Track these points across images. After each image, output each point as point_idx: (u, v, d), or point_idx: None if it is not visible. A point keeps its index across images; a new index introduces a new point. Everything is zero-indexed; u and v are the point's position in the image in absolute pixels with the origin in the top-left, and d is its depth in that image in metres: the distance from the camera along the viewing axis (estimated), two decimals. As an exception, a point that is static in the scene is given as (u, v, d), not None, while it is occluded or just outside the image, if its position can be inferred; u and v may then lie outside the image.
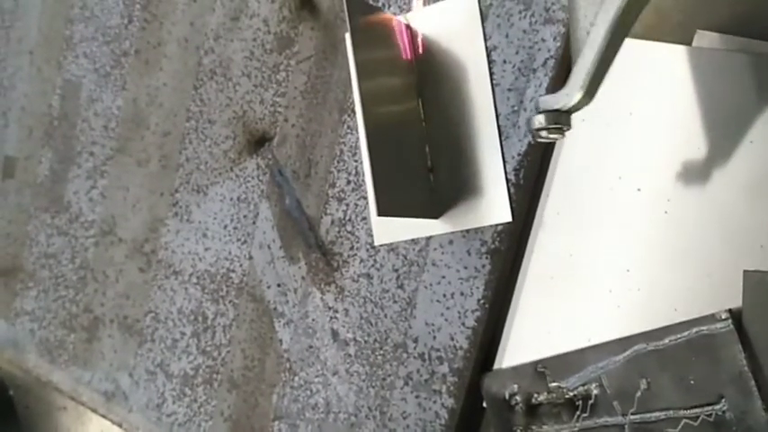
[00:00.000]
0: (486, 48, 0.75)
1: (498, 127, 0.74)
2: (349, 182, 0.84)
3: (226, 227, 0.94)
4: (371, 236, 0.82)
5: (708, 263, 0.63)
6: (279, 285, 0.89)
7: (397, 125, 0.76)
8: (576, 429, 0.70)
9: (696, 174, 0.64)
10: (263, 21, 0.91)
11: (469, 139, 0.76)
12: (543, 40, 0.72)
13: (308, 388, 0.87)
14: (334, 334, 0.85)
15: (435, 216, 0.77)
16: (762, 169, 0.61)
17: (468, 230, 0.76)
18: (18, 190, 1.16)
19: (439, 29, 0.78)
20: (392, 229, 0.80)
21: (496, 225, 0.74)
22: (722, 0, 0.65)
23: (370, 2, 0.81)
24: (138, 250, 1.02)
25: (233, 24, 0.94)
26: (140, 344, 1.02)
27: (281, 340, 0.89)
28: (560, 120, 0.56)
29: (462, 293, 0.76)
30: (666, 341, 0.64)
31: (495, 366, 0.76)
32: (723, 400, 0.61)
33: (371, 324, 0.82)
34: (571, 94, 0.55)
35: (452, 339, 0.77)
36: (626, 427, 0.67)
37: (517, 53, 0.73)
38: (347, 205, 0.84)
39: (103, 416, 1.06)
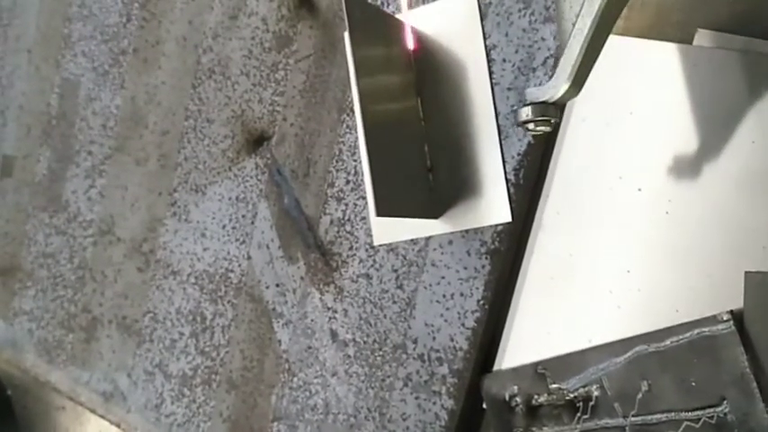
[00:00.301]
0: (486, 46, 0.75)
1: (498, 126, 0.74)
2: (348, 181, 0.83)
3: (224, 226, 0.94)
4: (371, 236, 0.81)
5: (709, 263, 0.63)
6: (278, 285, 0.89)
7: (397, 124, 0.75)
8: (576, 431, 0.69)
9: (697, 174, 0.64)
10: (262, 19, 0.91)
11: (469, 138, 0.75)
12: (543, 39, 0.71)
13: (307, 389, 0.86)
14: (334, 334, 0.84)
15: (435, 216, 0.76)
16: (763, 169, 0.61)
17: (467, 231, 0.75)
18: (16, 189, 1.16)
19: (438, 27, 0.77)
20: (391, 229, 0.80)
21: (496, 225, 0.74)
22: (723, -2, 0.64)
23: (369, 0, 0.81)
24: (137, 250, 1.02)
25: (231, 23, 0.93)
26: (139, 344, 1.02)
27: (279, 341, 0.89)
28: (548, 112, 0.57)
29: (462, 294, 0.76)
30: (668, 342, 0.63)
31: (495, 367, 0.75)
32: (725, 402, 0.61)
33: (371, 325, 0.82)
34: (558, 85, 0.55)
35: (452, 340, 0.76)
36: (627, 428, 0.66)
37: (517, 52, 0.73)
38: (346, 205, 0.83)
39: (102, 416, 1.06)
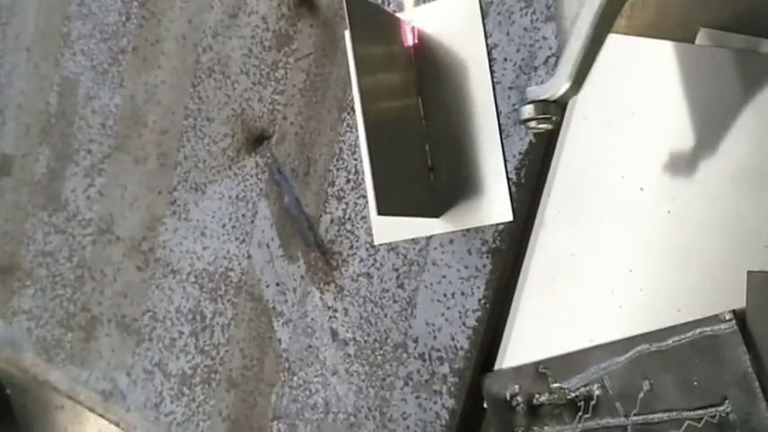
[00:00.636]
0: (487, 45, 0.74)
1: (499, 125, 0.73)
2: (348, 180, 0.83)
3: (224, 225, 0.93)
4: (371, 235, 0.81)
5: (711, 263, 0.63)
6: (278, 284, 0.89)
7: (397, 123, 0.75)
8: (577, 430, 0.69)
9: (699, 173, 0.64)
10: (262, 18, 0.91)
11: (470, 137, 0.75)
12: (545, 38, 0.71)
13: (308, 388, 0.86)
14: (334, 333, 0.84)
15: (436, 215, 0.76)
16: (766, 168, 0.60)
17: (468, 230, 0.75)
18: (15, 188, 1.16)
19: (439, 26, 0.77)
20: (392, 228, 0.80)
21: (497, 224, 0.73)
22: (726, -3, 0.64)
23: (370, -1, 0.81)
24: (136, 249, 1.02)
25: (231, 21, 0.93)
26: (138, 343, 1.01)
27: (279, 340, 0.88)
28: (549, 110, 0.57)
29: (463, 293, 0.75)
30: (669, 342, 0.63)
31: (496, 367, 0.75)
32: (727, 402, 0.61)
33: (371, 324, 0.81)
34: (558, 84, 0.56)
35: (453, 339, 0.76)
36: (628, 428, 0.66)
37: (518, 51, 0.73)
38: (347, 204, 0.83)
39: (101, 415, 1.05)
